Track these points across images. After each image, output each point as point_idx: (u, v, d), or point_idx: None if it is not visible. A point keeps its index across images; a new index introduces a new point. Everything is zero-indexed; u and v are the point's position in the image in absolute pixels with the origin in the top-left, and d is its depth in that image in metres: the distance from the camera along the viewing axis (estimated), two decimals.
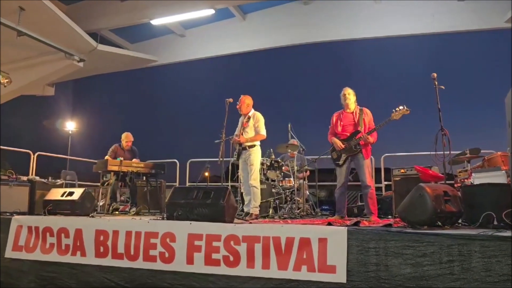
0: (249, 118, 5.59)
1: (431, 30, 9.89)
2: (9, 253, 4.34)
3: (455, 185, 5.13)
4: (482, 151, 5.41)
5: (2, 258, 4.35)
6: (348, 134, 5.10)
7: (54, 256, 4.15)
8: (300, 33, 10.96)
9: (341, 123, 5.19)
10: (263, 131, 5.54)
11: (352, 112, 5.17)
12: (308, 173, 7.07)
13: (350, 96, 5.16)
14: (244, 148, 5.51)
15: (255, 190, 5.42)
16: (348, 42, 11.49)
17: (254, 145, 5.52)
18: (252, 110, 5.65)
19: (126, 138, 7.20)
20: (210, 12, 10.14)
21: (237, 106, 5.66)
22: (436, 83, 4.58)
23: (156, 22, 10.63)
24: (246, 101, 5.66)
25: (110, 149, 7.12)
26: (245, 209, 5.45)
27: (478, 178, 4.17)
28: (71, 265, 4.05)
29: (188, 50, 12.14)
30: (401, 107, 4.78)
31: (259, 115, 5.59)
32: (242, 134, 5.54)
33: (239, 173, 5.69)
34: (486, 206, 3.44)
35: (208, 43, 11.77)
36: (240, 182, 5.68)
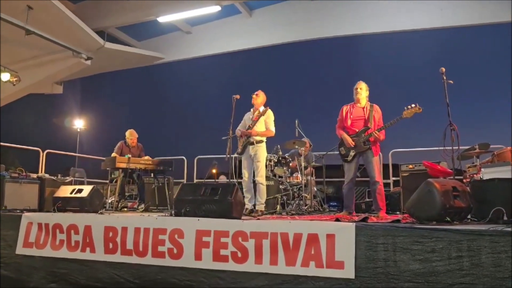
0: (259, 112, 5.58)
1: (439, 25, 9.79)
2: (20, 250, 4.39)
3: (464, 181, 5.07)
4: (491, 146, 5.34)
5: (13, 254, 4.40)
6: (357, 130, 5.02)
7: (64, 253, 4.19)
8: (306, 29, 10.90)
9: (351, 116, 5.10)
10: (273, 128, 5.54)
11: (363, 107, 5.08)
12: (310, 169, 7.02)
13: (362, 91, 5.06)
14: (251, 143, 5.49)
15: (261, 187, 5.41)
16: (355, 38, 11.40)
17: (262, 141, 5.51)
18: (263, 106, 5.66)
19: (131, 136, 7.20)
20: (216, 9, 10.13)
21: (253, 96, 5.65)
22: (445, 77, 4.53)
23: (162, 19, 10.64)
24: (263, 95, 5.68)
25: (116, 147, 7.14)
26: (246, 206, 5.40)
27: (488, 173, 4.12)
28: (81, 261, 4.09)
29: (195, 47, 12.14)
30: (413, 105, 4.66)
31: (270, 112, 5.59)
32: (251, 127, 5.53)
33: (242, 169, 5.61)
34: (496, 201, 3.40)
35: (215, 40, 11.76)
36: (243, 179, 5.57)
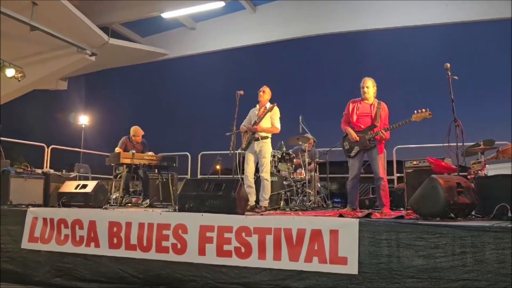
0: (265, 109, 5.57)
1: (444, 20, 9.72)
2: (25, 244, 4.41)
3: (469, 177, 5.05)
4: (496, 142, 5.31)
5: (18, 249, 4.42)
6: (363, 127, 4.98)
7: (68, 247, 4.21)
8: (311, 24, 10.86)
9: (357, 112, 5.05)
10: (278, 125, 5.54)
11: (371, 104, 5.03)
12: (313, 165, 7.01)
13: (369, 90, 5.00)
14: (257, 139, 5.49)
15: (266, 183, 5.43)
16: (360, 34, 11.35)
17: (267, 137, 5.52)
18: (269, 103, 5.65)
19: (136, 133, 7.13)
20: (220, 4, 10.11)
21: (260, 93, 5.63)
22: (450, 73, 4.50)
23: (166, 15, 10.64)
24: (269, 92, 5.67)
25: (120, 141, 7.10)
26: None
27: (492, 170, 4.09)
28: (85, 256, 4.11)
29: (199, 43, 12.13)
30: (423, 110, 4.61)
31: (277, 109, 5.58)
32: (257, 123, 5.52)
33: (245, 164, 5.59)
34: (500, 197, 3.38)
35: (219, 36, 11.74)
36: (244, 174, 5.56)
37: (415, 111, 4.68)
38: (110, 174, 7.82)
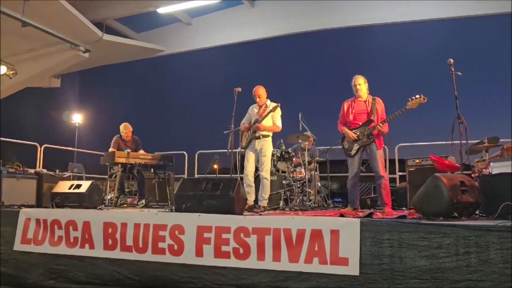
0: (267, 107, 5.49)
1: (447, 15, 9.67)
2: (18, 246, 4.35)
3: (473, 175, 5.03)
4: (501, 140, 5.29)
5: (11, 251, 4.35)
6: (360, 124, 4.96)
7: (62, 249, 4.15)
8: (310, 19, 10.76)
9: (353, 111, 5.04)
10: (279, 123, 5.51)
11: (365, 101, 5.02)
12: (313, 164, 6.95)
13: (361, 87, 5.00)
14: (258, 137, 5.43)
15: (265, 182, 5.39)
16: (361, 29, 11.29)
17: (268, 135, 5.47)
18: (269, 100, 5.58)
19: (125, 129, 7.07)
20: None
21: (257, 99, 5.55)
22: (453, 69, 4.45)
23: (162, 10, 10.53)
24: (263, 91, 5.58)
25: (112, 141, 7.03)
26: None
27: (497, 168, 4.07)
28: (79, 258, 4.05)
29: (195, 39, 12.03)
30: (417, 96, 4.62)
31: (278, 108, 5.50)
32: (259, 121, 5.45)
33: (245, 163, 5.54)
34: (505, 196, 3.35)
35: (216, 31, 11.63)
36: (244, 173, 5.50)
37: (410, 98, 4.68)
38: (104, 174, 7.75)
